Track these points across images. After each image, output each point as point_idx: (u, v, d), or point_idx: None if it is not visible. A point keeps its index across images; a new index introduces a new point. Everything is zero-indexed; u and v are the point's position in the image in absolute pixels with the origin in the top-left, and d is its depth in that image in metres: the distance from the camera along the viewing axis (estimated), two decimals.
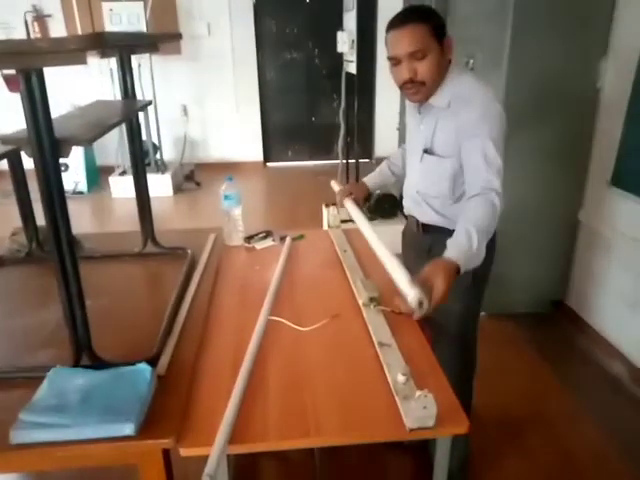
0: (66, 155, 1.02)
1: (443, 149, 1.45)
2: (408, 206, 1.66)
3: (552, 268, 2.82)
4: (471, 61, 2.73)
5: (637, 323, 2.35)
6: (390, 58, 1.39)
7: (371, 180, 1.88)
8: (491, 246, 1.41)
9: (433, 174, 1.50)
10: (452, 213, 1.48)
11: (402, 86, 1.41)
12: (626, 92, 2.27)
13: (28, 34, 5.13)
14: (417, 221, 1.63)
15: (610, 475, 1.86)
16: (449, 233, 1.32)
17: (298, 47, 5.78)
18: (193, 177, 5.42)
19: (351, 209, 1.78)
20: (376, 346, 1.27)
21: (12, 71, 0.99)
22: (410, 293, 1.14)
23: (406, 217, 1.76)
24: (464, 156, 1.38)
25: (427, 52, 1.33)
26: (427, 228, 1.58)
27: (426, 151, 1.49)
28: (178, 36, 1.82)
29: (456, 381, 1.17)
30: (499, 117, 1.35)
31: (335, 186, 2.06)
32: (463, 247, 1.22)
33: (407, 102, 1.55)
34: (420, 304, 1.13)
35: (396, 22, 1.36)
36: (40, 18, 5.19)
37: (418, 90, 1.40)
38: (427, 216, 1.57)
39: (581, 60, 2.43)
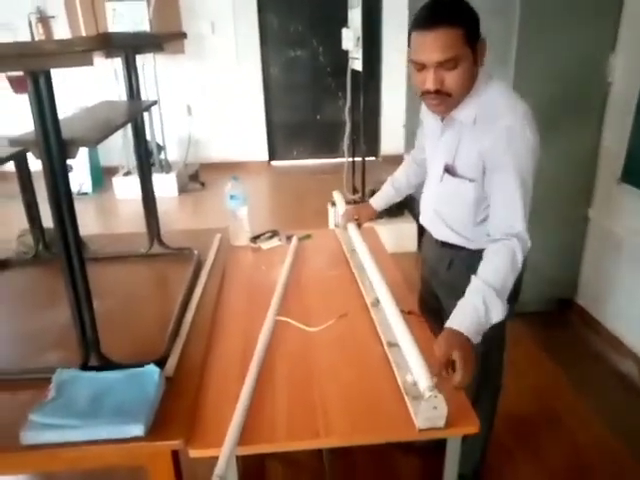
0: (73, 156, 1.02)
1: (465, 170, 1.30)
2: (425, 221, 1.53)
3: (562, 266, 2.80)
4: None
5: None
6: (414, 62, 1.19)
7: (377, 202, 1.85)
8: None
9: (454, 197, 1.37)
10: (473, 235, 1.38)
11: (424, 94, 1.22)
12: (636, 87, 2.25)
13: (32, 35, 5.14)
14: (434, 238, 1.52)
15: (621, 474, 1.84)
16: (471, 251, 1.29)
17: (302, 44, 5.77)
18: (198, 177, 5.42)
19: (354, 235, 1.75)
20: (385, 346, 1.26)
21: (17, 73, 0.99)
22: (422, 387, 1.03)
23: (417, 221, 1.68)
24: (487, 189, 1.27)
25: (459, 61, 1.14)
26: (446, 244, 1.47)
27: (447, 170, 1.34)
28: (183, 35, 1.82)
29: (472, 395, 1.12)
30: (527, 147, 1.20)
31: (339, 199, 2.03)
32: (475, 317, 1.12)
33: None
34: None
35: (425, 22, 1.14)
36: (44, 19, 5.20)
37: (442, 102, 1.22)
38: (445, 236, 1.46)
39: (590, 55, 2.41)
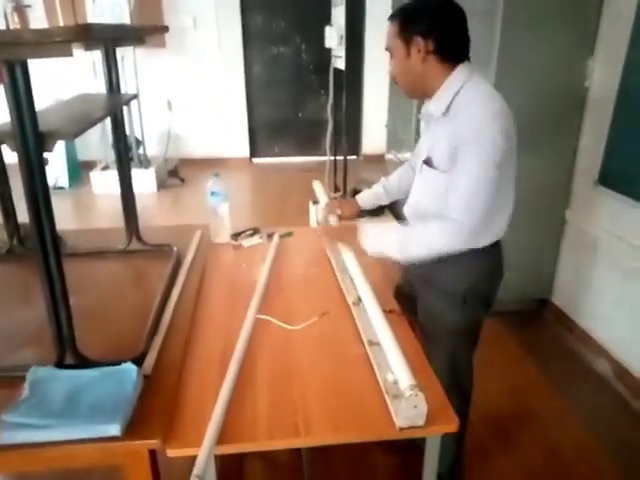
0: (51, 149, 1.00)
1: (439, 162, 1.35)
2: (407, 211, 1.57)
3: (539, 267, 2.84)
4: None
5: (622, 321, 2.38)
6: None
7: (363, 198, 1.85)
8: (481, 266, 1.43)
9: (428, 188, 1.42)
10: None
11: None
12: (613, 92, 2.29)
13: (7, 25, 5.01)
14: None
15: (595, 472, 1.88)
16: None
17: (285, 42, 5.74)
18: (177, 173, 5.36)
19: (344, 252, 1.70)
20: (366, 345, 1.26)
21: None
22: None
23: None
24: (456, 173, 1.30)
25: (393, 51, 1.32)
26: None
27: (426, 162, 1.40)
28: (164, 29, 1.79)
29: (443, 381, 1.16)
30: (492, 142, 1.22)
31: (319, 190, 2.03)
32: (381, 237, 1.40)
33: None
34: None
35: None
36: (20, 8, 5.06)
37: (399, 87, 1.40)
38: None
39: (569, 59, 2.45)
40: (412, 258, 1.36)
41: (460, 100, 1.27)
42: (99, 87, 4.86)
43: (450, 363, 1.53)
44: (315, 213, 2.00)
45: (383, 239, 1.41)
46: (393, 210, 3.89)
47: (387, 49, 1.34)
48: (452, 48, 1.29)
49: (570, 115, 2.56)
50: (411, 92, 1.38)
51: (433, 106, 1.33)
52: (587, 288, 2.62)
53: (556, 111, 2.53)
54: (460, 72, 1.29)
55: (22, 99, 0.95)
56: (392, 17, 1.31)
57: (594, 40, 2.43)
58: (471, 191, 1.25)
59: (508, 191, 1.39)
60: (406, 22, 1.27)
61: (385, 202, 1.82)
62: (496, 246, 1.46)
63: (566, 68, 2.47)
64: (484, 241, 1.38)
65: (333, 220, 1.76)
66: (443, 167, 1.34)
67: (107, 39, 1.47)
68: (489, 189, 1.25)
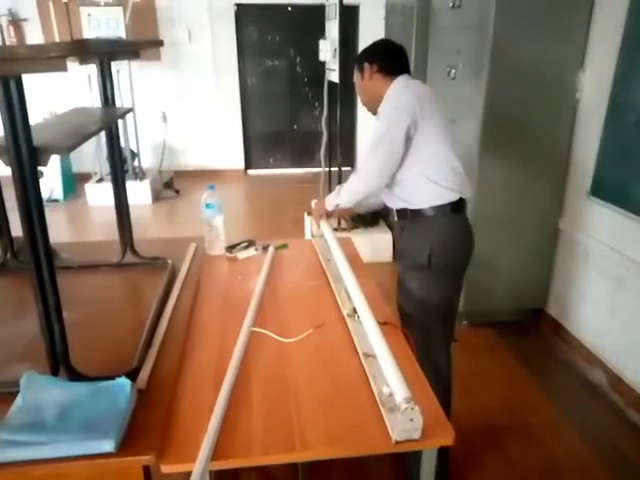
0: (45, 164, 0.99)
1: None
2: (383, 199, 1.85)
3: (533, 277, 2.85)
4: (453, 71, 2.76)
5: (615, 330, 2.39)
6: None
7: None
8: (442, 232, 1.67)
9: None
10: (403, 194, 1.69)
11: None
12: (603, 104, 2.32)
13: (3, 38, 5.03)
14: (393, 210, 1.82)
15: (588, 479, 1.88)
16: (413, 212, 1.67)
17: (280, 55, 5.79)
18: (172, 185, 5.36)
19: (326, 231, 1.85)
20: (361, 357, 1.26)
21: None
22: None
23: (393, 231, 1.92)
24: None
25: (356, 82, 1.81)
26: (398, 214, 1.78)
27: None
28: (159, 43, 1.80)
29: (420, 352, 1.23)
30: (393, 107, 1.62)
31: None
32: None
33: None
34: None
35: None
36: (16, 22, 5.10)
37: (365, 106, 1.83)
38: (394, 203, 1.76)
39: (560, 71, 2.48)
40: (348, 199, 1.74)
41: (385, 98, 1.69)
42: (95, 100, 4.88)
43: (422, 339, 1.62)
44: (311, 225, 2.04)
45: (331, 196, 1.82)
46: (386, 220, 3.90)
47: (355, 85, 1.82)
48: (390, 67, 1.72)
49: (562, 126, 2.58)
50: (373, 106, 1.75)
51: (379, 111, 1.71)
52: (581, 298, 2.63)
53: (548, 122, 2.55)
54: (397, 81, 1.70)
55: (16, 114, 0.95)
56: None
57: (584, 53, 2.46)
58: (372, 144, 1.62)
59: (432, 154, 1.64)
60: (359, 59, 1.77)
61: (374, 201, 1.97)
62: (453, 212, 1.67)
63: (557, 80, 2.50)
64: (421, 201, 1.65)
65: (323, 224, 1.93)
66: None
67: (102, 54, 1.47)
68: (387, 143, 1.58)
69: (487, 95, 2.44)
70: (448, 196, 1.64)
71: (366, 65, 1.73)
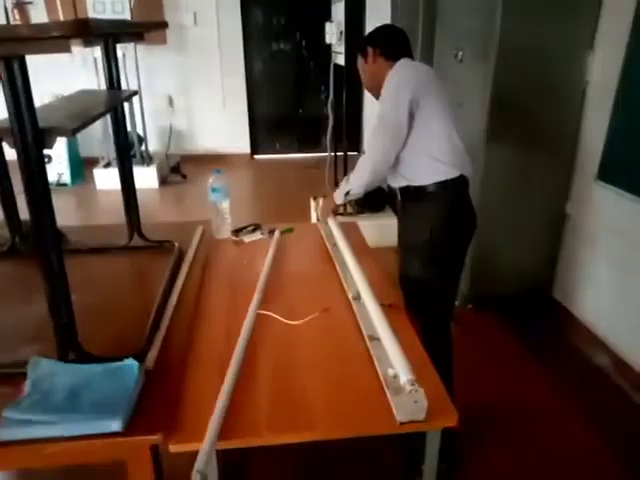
0: (50, 146, 1.00)
1: None
2: (388, 180, 1.87)
3: (538, 260, 2.84)
4: (460, 53, 2.72)
5: (621, 315, 2.38)
6: None
7: None
8: (440, 204, 1.67)
9: None
10: (405, 172, 1.71)
11: None
12: (612, 87, 2.28)
13: (8, 21, 5.01)
14: (397, 189, 1.83)
15: (597, 466, 1.88)
16: (414, 188, 1.69)
17: (286, 38, 5.72)
18: (179, 169, 5.36)
19: (335, 230, 1.84)
20: (366, 340, 1.26)
21: None
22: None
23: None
24: None
25: (360, 67, 1.84)
26: (402, 193, 1.80)
27: None
28: (164, 24, 1.79)
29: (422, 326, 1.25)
30: (393, 89, 1.63)
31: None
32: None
33: None
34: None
35: None
36: (20, 5, 5.06)
37: (368, 90, 1.86)
38: (396, 181, 1.78)
39: (569, 53, 2.44)
40: (358, 184, 1.72)
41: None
42: (101, 84, 4.86)
43: (423, 319, 1.69)
44: (316, 210, 2.05)
45: (340, 188, 1.83)
46: (392, 205, 3.89)
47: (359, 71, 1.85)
48: (392, 50, 1.74)
49: (570, 110, 2.55)
50: (376, 89, 1.74)
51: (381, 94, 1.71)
52: (587, 282, 2.62)
53: (556, 105, 2.52)
54: (399, 64, 1.70)
55: (20, 96, 0.95)
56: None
57: (594, 35, 2.41)
58: (376, 125, 1.65)
59: (434, 132, 1.65)
60: (362, 43, 1.80)
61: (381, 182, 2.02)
62: (454, 189, 1.69)
63: (566, 63, 2.45)
64: (423, 178, 1.67)
65: (331, 222, 1.90)
66: None
67: (106, 35, 1.46)
68: (391, 122, 1.61)
69: (494, 78, 2.41)
70: (449, 172, 1.66)
71: (369, 49, 1.76)
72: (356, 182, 1.73)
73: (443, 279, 1.78)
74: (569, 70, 2.47)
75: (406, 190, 1.75)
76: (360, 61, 1.81)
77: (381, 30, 1.83)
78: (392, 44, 1.77)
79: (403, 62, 1.72)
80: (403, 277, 1.81)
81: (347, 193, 1.76)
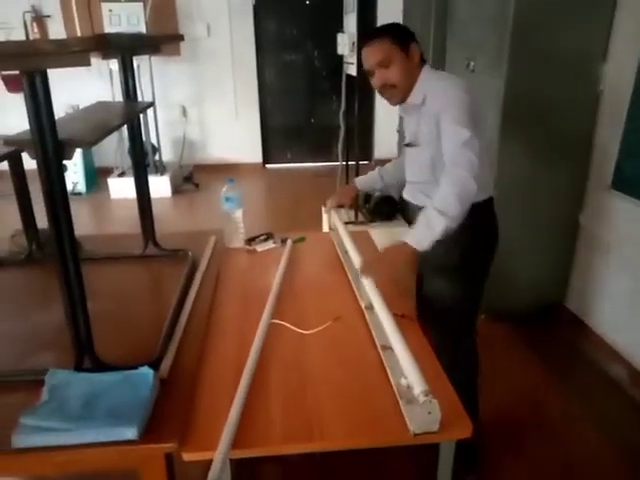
0: (70, 157, 1.02)
1: (422, 140, 1.58)
2: (406, 194, 1.77)
3: (552, 270, 2.82)
4: (472, 63, 2.73)
5: (636, 326, 2.35)
6: (365, 72, 1.59)
7: (361, 180, 1.97)
8: (472, 226, 1.50)
9: (416, 163, 1.65)
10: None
11: (380, 92, 1.59)
12: (627, 96, 2.27)
13: (27, 34, 5.12)
14: (417, 206, 1.69)
15: (609, 478, 1.86)
16: None
17: (298, 48, 5.78)
18: (192, 178, 5.41)
19: (336, 220, 1.89)
20: (379, 349, 1.26)
21: (11, 72, 0.98)
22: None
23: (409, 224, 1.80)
24: (442, 142, 1.49)
25: (392, 59, 1.51)
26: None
27: (407, 145, 1.66)
28: (180, 37, 1.82)
29: (455, 378, 1.18)
30: (460, 100, 1.45)
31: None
32: (416, 228, 1.39)
33: (398, 107, 1.68)
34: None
35: (364, 40, 1.56)
36: (39, 18, 5.18)
37: (392, 94, 1.57)
38: (421, 200, 1.65)
39: (582, 63, 2.43)
40: (448, 224, 1.35)
41: (431, 89, 1.53)
42: (116, 94, 4.94)
43: (451, 338, 1.67)
44: (328, 219, 2.06)
45: (417, 235, 1.37)
46: (405, 214, 3.88)
47: (376, 64, 1.52)
48: (422, 53, 1.59)
49: (583, 119, 2.54)
50: (406, 92, 1.57)
51: (412, 98, 1.57)
52: (601, 292, 2.59)
53: (569, 115, 2.51)
54: (426, 70, 1.57)
55: (42, 108, 0.97)
56: (379, 34, 1.52)
57: (607, 44, 2.41)
58: (462, 138, 1.40)
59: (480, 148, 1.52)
60: (398, 34, 1.53)
61: (380, 185, 1.95)
62: (486, 210, 1.64)
63: (579, 71, 2.45)
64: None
65: (333, 213, 1.95)
66: (426, 142, 1.56)
67: (124, 48, 1.49)
68: (475, 142, 1.39)
69: (507, 87, 2.41)
70: (482, 194, 1.56)
71: (413, 44, 1.54)
72: (445, 223, 1.33)
73: (474, 297, 1.72)
74: (582, 79, 2.46)
75: None
76: (399, 55, 1.51)
77: (408, 29, 1.59)
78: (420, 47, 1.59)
79: (436, 71, 1.60)
80: (431, 298, 1.73)
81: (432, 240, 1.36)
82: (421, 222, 1.37)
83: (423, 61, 1.58)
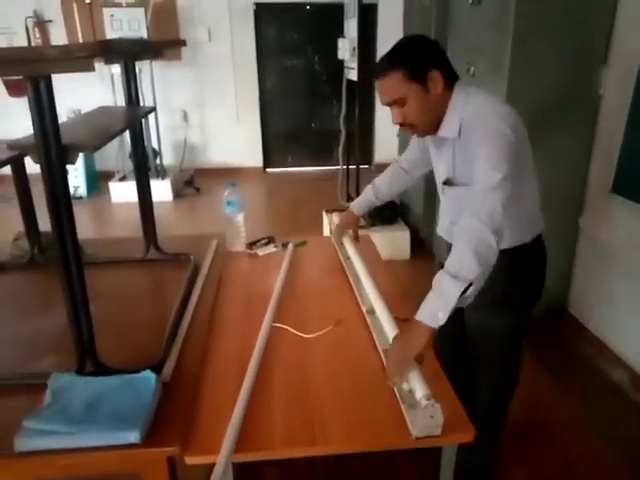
0: (73, 162, 1.03)
1: (463, 178, 1.36)
2: (442, 232, 1.58)
3: (553, 274, 2.79)
4: (472, 68, 2.74)
5: (638, 330, 2.35)
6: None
7: (357, 207, 1.84)
8: (523, 258, 1.45)
9: (457, 204, 1.42)
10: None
11: (399, 126, 1.38)
12: (627, 100, 2.28)
13: (29, 39, 5.14)
14: (441, 240, 1.59)
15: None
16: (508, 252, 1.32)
17: (298, 53, 5.80)
18: (193, 182, 5.42)
19: (348, 246, 1.80)
20: (381, 353, 1.26)
21: (13, 77, 0.99)
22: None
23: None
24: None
25: (406, 98, 1.28)
26: None
27: (446, 183, 1.43)
28: (182, 42, 1.83)
29: (489, 405, 1.15)
30: (500, 135, 1.22)
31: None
32: (428, 301, 1.17)
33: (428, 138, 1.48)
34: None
35: (375, 73, 1.32)
36: (41, 23, 5.20)
37: (414, 130, 1.38)
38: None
39: (582, 67, 2.44)
40: (471, 276, 1.15)
41: (469, 117, 1.29)
42: (117, 98, 4.96)
43: (500, 369, 1.60)
44: (330, 223, 2.03)
45: (430, 307, 1.16)
46: (404, 217, 3.89)
47: (391, 102, 1.30)
48: (450, 71, 1.32)
49: (583, 123, 2.55)
50: (428, 127, 1.35)
51: (444, 130, 1.34)
52: (602, 297, 2.59)
53: (569, 119, 2.52)
54: (458, 92, 1.32)
55: (46, 113, 0.98)
56: (390, 68, 1.27)
57: (607, 48, 2.42)
58: (491, 183, 1.20)
59: (528, 189, 1.41)
60: (412, 64, 1.26)
61: (377, 204, 1.83)
62: (541, 242, 1.54)
63: (579, 76, 2.46)
64: (525, 235, 1.45)
65: (347, 241, 1.83)
66: (467, 181, 1.32)
67: (127, 53, 1.50)
68: (507, 184, 1.20)
69: (507, 92, 2.42)
70: (531, 231, 1.50)
71: (432, 73, 1.26)
72: (464, 276, 1.14)
73: (524, 333, 1.62)
74: (582, 83, 2.47)
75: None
76: (415, 92, 1.27)
77: (429, 45, 1.32)
78: (448, 63, 1.33)
79: (476, 93, 1.32)
80: (477, 338, 1.57)
81: (464, 292, 1.14)
82: (432, 292, 1.18)
83: (453, 79, 1.32)
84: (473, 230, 1.17)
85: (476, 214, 1.18)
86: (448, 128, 1.33)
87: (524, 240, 1.45)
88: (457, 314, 1.26)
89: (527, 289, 1.54)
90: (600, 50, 2.42)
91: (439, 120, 1.33)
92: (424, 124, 1.34)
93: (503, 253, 1.26)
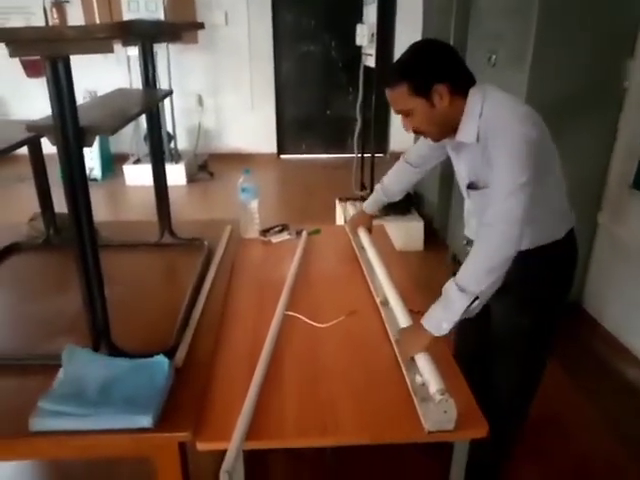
0: (90, 144, 1.02)
1: (486, 181, 1.32)
2: (470, 233, 1.56)
3: None
4: (493, 57, 2.69)
5: None
6: None
7: (368, 206, 1.85)
8: (542, 259, 1.40)
9: (485, 206, 1.33)
10: (533, 233, 1.36)
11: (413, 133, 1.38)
12: None
13: (46, 20, 5.13)
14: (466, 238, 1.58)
15: (621, 477, 1.84)
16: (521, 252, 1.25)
17: (315, 39, 5.73)
18: (207, 167, 5.42)
19: (363, 238, 1.78)
20: (394, 345, 1.26)
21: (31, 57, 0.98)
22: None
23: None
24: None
25: (412, 110, 1.28)
26: None
27: (469, 187, 1.41)
28: (200, 25, 1.81)
29: (507, 404, 1.15)
30: (519, 143, 1.19)
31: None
32: (433, 309, 1.20)
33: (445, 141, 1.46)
34: None
35: (384, 82, 1.33)
36: (59, 4, 5.18)
37: (426, 137, 1.40)
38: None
39: (607, 59, 2.38)
40: (484, 282, 1.18)
41: (487, 121, 1.26)
42: (133, 80, 4.95)
43: (523, 366, 1.57)
44: (344, 211, 2.01)
45: (433, 315, 1.20)
46: (418, 208, 3.86)
47: (399, 112, 1.33)
48: (461, 79, 1.29)
49: (606, 116, 2.49)
50: (441, 135, 1.36)
51: (462, 135, 1.31)
52: (619, 294, 2.56)
53: (591, 112, 2.46)
54: (474, 96, 1.28)
55: (64, 94, 0.97)
56: (396, 81, 1.27)
57: (634, 40, 2.35)
58: (506, 189, 1.19)
59: (553, 187, 1.40)
60: (416, 78, 1.25)
61: (387, 202, 1.83)
62: (572, 237, 1.50)
63: (603, 68, 2.40)
64: (547, 235, 1.41)
65: (362, 232, 1.81)
66: (492, 184, 1.29)
67: (145, 35, 1.49)
68: (527, 188, 1.18)
69: (529, 83, 2.37)
70: (562, 228, 1.46)
71: (437, 86, 1.24)
72: (472, 291, 1.17)
73: (552, 330, 1.59)
74: (607, 76, 2.41)
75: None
76: (420, 105, 1.26)
77: (436, 53, 1.30)
78: (459, 70, 1.30)
79: (493, 95, 1.29)
80: (505, 335, 1.54)
81: (471, 304, 1.17)
82: (440, 301, 1.20)
83: (467, 86, 1.29)
84: (490, 241, 1.19)
85: (492, 222, 1.19)
86: (465, 133, 1.30)
87: (557, 236, 1.43)
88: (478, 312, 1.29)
89: (557, 287, 1.50)
90: (627, 41, 2.36)
91: (452, 127, 1.31)
92: (435, 133, 1.35)
93: (536, 251, 1.34)
